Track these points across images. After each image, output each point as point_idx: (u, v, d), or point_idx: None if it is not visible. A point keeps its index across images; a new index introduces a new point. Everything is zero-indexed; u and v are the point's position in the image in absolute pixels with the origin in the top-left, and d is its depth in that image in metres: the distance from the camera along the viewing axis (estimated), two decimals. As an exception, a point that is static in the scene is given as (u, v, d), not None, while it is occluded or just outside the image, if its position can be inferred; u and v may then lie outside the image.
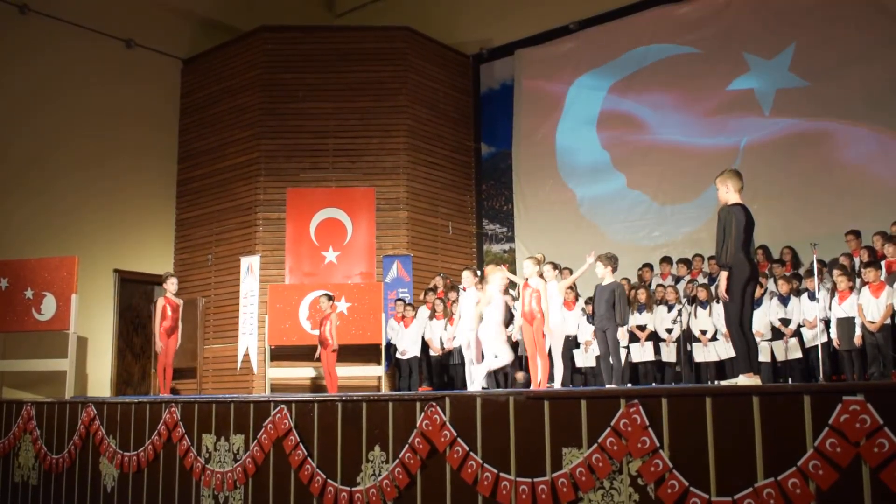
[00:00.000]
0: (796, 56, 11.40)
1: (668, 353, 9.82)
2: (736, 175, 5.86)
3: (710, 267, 10.46)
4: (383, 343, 11.69)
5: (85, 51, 13.08)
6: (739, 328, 5.64)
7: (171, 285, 10.08)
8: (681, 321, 9.39)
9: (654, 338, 9.96)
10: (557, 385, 8.69)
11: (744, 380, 5.60)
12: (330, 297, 10.85)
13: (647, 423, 4.43)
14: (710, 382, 8.97)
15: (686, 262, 10.92)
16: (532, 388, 8.07)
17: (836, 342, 8.66)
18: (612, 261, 8.05)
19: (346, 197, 12.74)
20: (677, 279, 10.73)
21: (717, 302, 8.82)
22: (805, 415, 3.97)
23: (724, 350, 9.26)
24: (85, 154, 12.94)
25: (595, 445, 4.60)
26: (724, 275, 5.70)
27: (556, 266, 9.07)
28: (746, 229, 5.68)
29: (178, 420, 7.10)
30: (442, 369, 11.06)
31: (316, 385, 12.04)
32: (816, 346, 8.55)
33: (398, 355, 11.34)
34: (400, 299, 11.81)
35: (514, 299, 10.79)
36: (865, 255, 9.02)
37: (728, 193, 5.83)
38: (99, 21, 13.27)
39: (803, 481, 3.90)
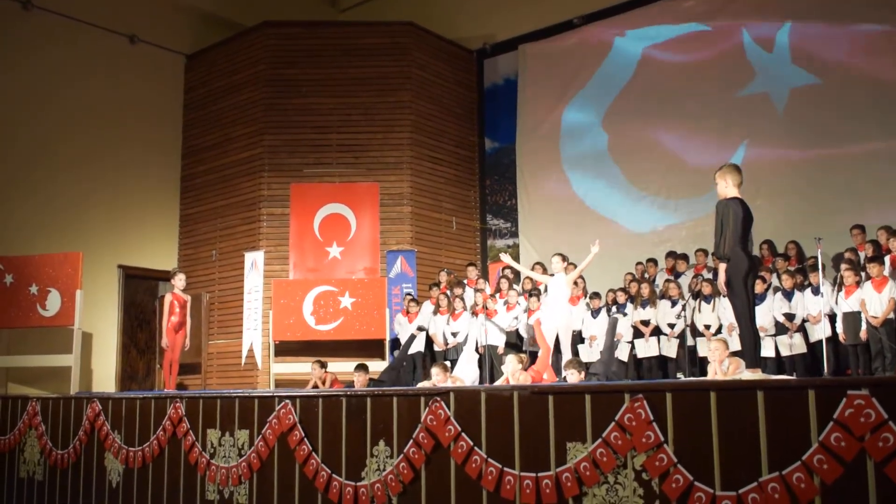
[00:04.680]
0: (800, 51, 11.37)
1: (673, 348, 9.81)
2: (735, 170, 5.89)
3: (715, 262, 10.44)
4: (387, 338, 11.70)
5: (88, 46, 13.08)
6: (749, 322, 5.64)
7: (179, 281, 10.06)
8: (684, 316, 9.39)
9: (659, 333, 9.95)
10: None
11: (748, 374, 5.60)
12: (323, 365, 10.76)
13: (652, 418, 4.43)
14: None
15: (685, 257, 10.92)
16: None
17: (841, 336, 8.66)
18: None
19: (349, 192, 12.73)
20: (677, 275, 10.73)
21: (723, 296, 8.82)
22: (810, 409, 3.96)
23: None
24: (88, 150, 12.95)
25: (599, 440, 4.60)
26: (722, 267, 5.71)
27: (564, 258, 9.06)
28: (744, 223, 5.69)
29: (183, 415, 7.12)
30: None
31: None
32: (821, 340, 8.54)
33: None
34: (408, 294, 11.81)
35: (519, 294, 10.82)
36: (870, 249, 9.01)
37: (727, 188, 5.85)
38: (102, 16, 13.27)
39: (808, 476, 3.90)
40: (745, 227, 5.72)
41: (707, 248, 10.73)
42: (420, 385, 8.99)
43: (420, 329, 10.97)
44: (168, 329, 9.81)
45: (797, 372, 8.91)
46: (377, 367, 11.90)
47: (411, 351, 11.03)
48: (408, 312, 11.44)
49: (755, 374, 5.56)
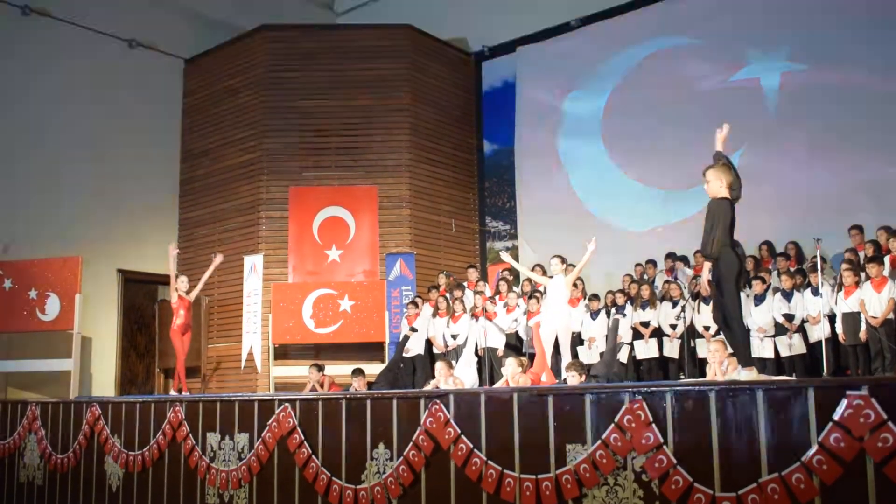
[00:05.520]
0: (796, 50, 11.40)
1: (672, 350, 9.81)
2: (729, 170, 5.89)
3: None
4: (387, 341, 11.69)
5: (87, 51, 13.08)
6: (741, 321, 5.67)
7: (182, 284, 10.01)
8: (684, 317, 9.39)
9: (658, 334, 9.95)
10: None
11: (745, 373, 5.59)
12: (320, 369, 10.78)
13: (651, 419, 4.44)
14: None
15: (684, 259, 10.92)
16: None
17: (841, 337, 8.65)
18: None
19: (348, 195, 12.74)
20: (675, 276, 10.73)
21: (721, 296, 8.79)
22: (809, 410, 3.97)
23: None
24: (87, 154, 12.93)
25: (599, 442, 4.60)
26: (707, 266, 5.69)
27: (563, 260, 9.07)
28: (731, 224, 5.71)
29: (183, 419, 7.12)
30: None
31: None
32: (820, 341, 8.54)
33: (403, 353, 11.34)
34: (417, 297, 11.79)
35: (518, 296, 10.81)
36: (870, 249, 9.01)
37: (721, 188, 5.84)
38: (101, 22, 13.27)
39: (807, 476, 3.90)
40: (732, 229, 5.74)
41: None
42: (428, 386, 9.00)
43: (413, 329, 10.97)
44: (174, 332, 9.77)
45: (796, 372, 8.91)
46: (377, 369, 11.92)
47: (412, 354, 11.03)
48: (407, 315, 11.43)
49: (751, 373, 5.56)
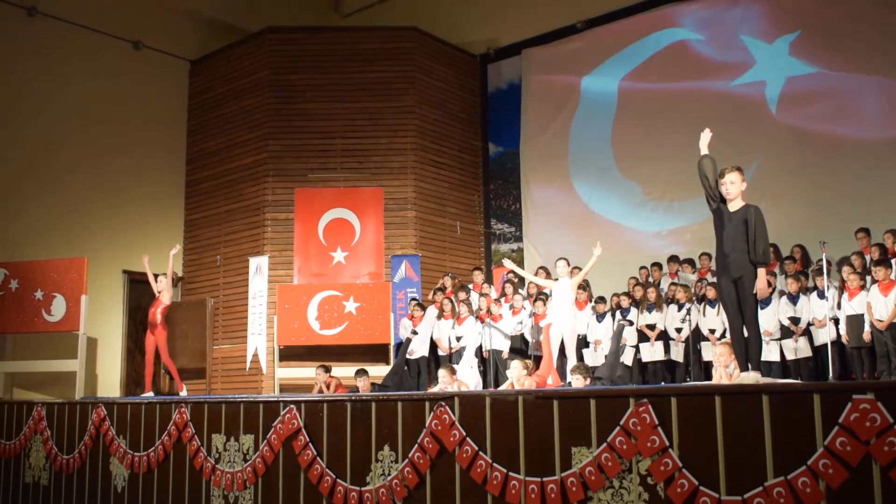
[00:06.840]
0: (801, 47, 11.38)
1: (678, 353, 9.80)
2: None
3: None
4: (392, 343, 11.69)
5: (93, 52, 13.12)
6: (758, 326, 5.67)
7: (158, 283, 10.07)
8: (689, 320, 9.38)
9: (664, 337, 9.93)
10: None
11: (753, 376, 5.56)
12: (327, 370, 10.74)
13: (657, 423, 4.43)
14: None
15: (690, 262, 10.91)
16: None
17: (844, 338, 8.64)
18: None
19: (354, 197, 12.74)
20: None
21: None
22: (815, 413, 3.96)
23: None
24: (93, 155, 12.98)
25: (604, 445, 4.59)
26: (763, 272, 5.63)
27: (568, 262, 9.08)
28: None
29: (188, 420, 7.13)
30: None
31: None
32: (826, 344, 8.52)
33: (407, 355, 11.34)
34: (413, 299, 11.82)
35: (524, 298, 10.81)
36: (876, 252, 8.99)
37: (742, 191, 5.84)
38: (107, 22, 13.31)
39: (813, 480, 3.89)
40: None
41: (711, 252, 10.70)
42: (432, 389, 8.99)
43: (414, 332, 10.96)
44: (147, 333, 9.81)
45: (802, 376, 8.89)
46: (382, 371, 11.92)
47: (416, 356, 11.03)
48: (413, 317, 11.43)
49: (757, 376, 5.54)
